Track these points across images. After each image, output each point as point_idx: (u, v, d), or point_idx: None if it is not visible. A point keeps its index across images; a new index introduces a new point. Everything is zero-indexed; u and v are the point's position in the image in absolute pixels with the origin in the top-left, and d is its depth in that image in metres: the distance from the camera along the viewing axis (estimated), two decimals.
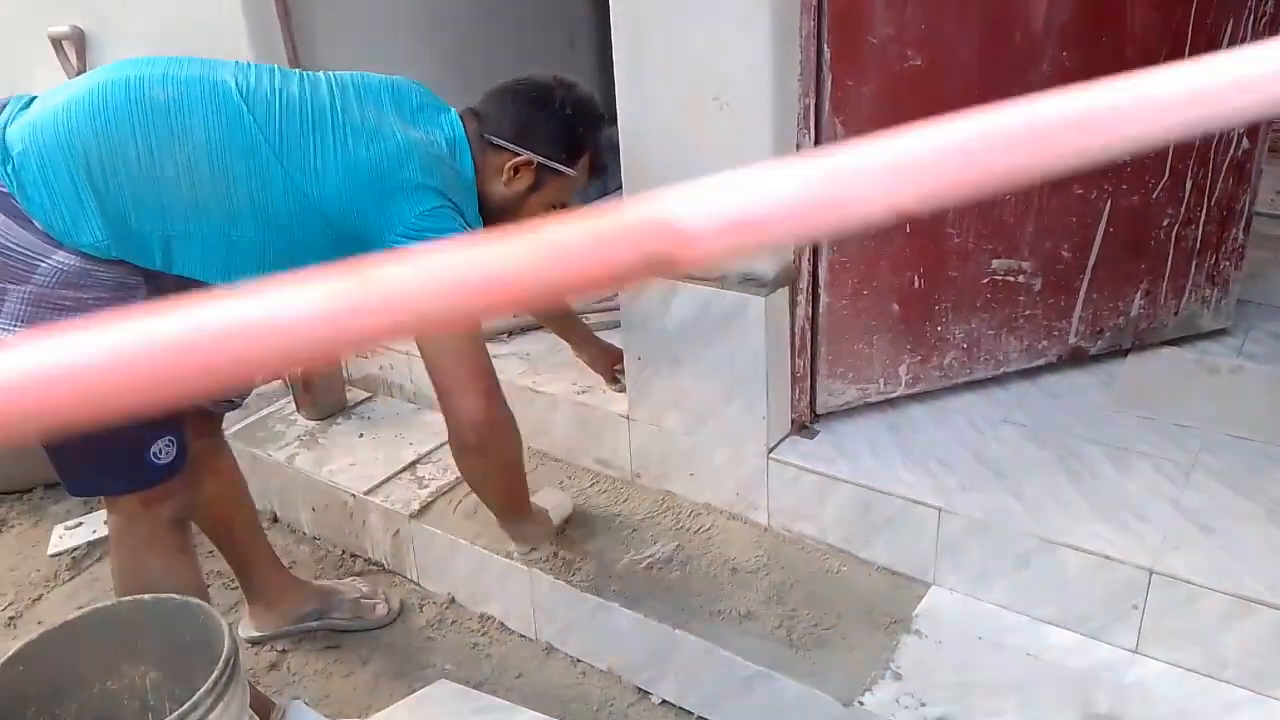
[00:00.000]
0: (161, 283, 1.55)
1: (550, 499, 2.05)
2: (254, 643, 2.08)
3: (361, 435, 2.50)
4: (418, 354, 2.59)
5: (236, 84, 1.51)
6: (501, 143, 1.67)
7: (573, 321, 2.25)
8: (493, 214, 1.71)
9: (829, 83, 1.76)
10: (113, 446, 1.57)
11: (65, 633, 1.56)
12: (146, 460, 1.58)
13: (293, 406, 2.59)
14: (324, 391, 2.57)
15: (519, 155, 1.67)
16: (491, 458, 1.70)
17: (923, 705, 1.61)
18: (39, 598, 2.34)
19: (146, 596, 1.61)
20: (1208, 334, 2.30)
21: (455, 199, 1.59)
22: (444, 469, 2.33)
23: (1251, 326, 2.34)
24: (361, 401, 2.67)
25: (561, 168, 1.70)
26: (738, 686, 1.76)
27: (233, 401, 1.85)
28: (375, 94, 1.61)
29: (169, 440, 1.59)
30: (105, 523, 2.49)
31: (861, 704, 1.63)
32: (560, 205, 1.77)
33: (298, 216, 1.51)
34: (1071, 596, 1.72)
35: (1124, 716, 1.57)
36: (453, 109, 1.70)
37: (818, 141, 1.80)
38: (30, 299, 1.43)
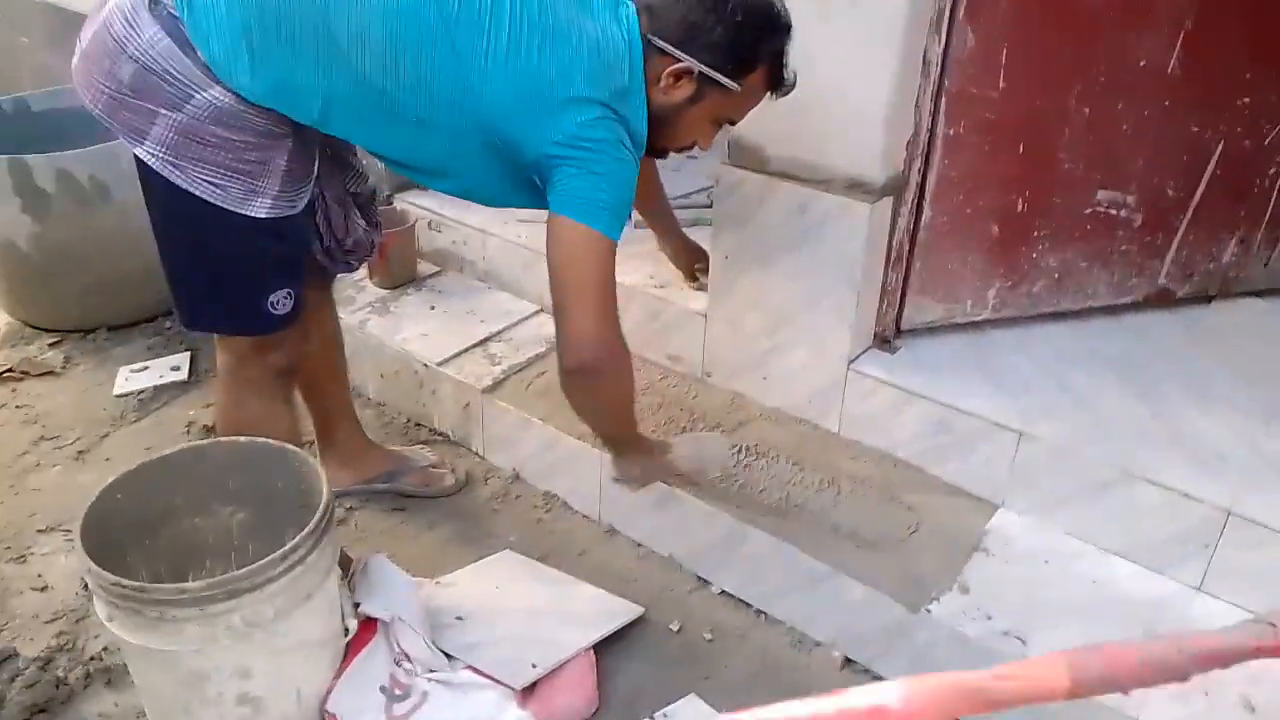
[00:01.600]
0: (306, 137, 1.53)
1: (701, 445, 1.96)
2: None
3: (433, 308, 2.51)
4: (491, 231, 2.59)
5: None
6: (663, 45, 1.53)
7: (662, 211, 2.22)
8: (655, 122, 1.58)
9: None
10: (234, 289, 1.58)
11: (162, 466, 1.59)
12: (264, 308, 1.59)
13: (364, 272, 2.59)
14: (397, 261, 2.57)
15: (680, 61, 1.53)
16: (597, 385, 1.60)
17: (989, 619, 1.65)
18: (106, 435, 2.38)
19: (242, 439, 1.64)
20: None
21: (621, 109, 1.51)
22: (516, 348, 2.34)
23: None
24: (432, 275, 2.67)
25: (725, 80, 1.54)
26: (802, 584, 1.80)
27: (350, 264, 1.84)
28: None
29: (287, 293, 1.60)
30: (172, 368, 2.52)
31: (929, 612, 1.66)
32: (730, 122, 1.66)
33: (458, 105, 1.47)
34: (1143, 530, 1.74)
35: None
36: None
37: (946, 48, 1.75)
38: (179, 127, 1.42)
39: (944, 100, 1.80)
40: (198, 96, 1.41)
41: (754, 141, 1.95)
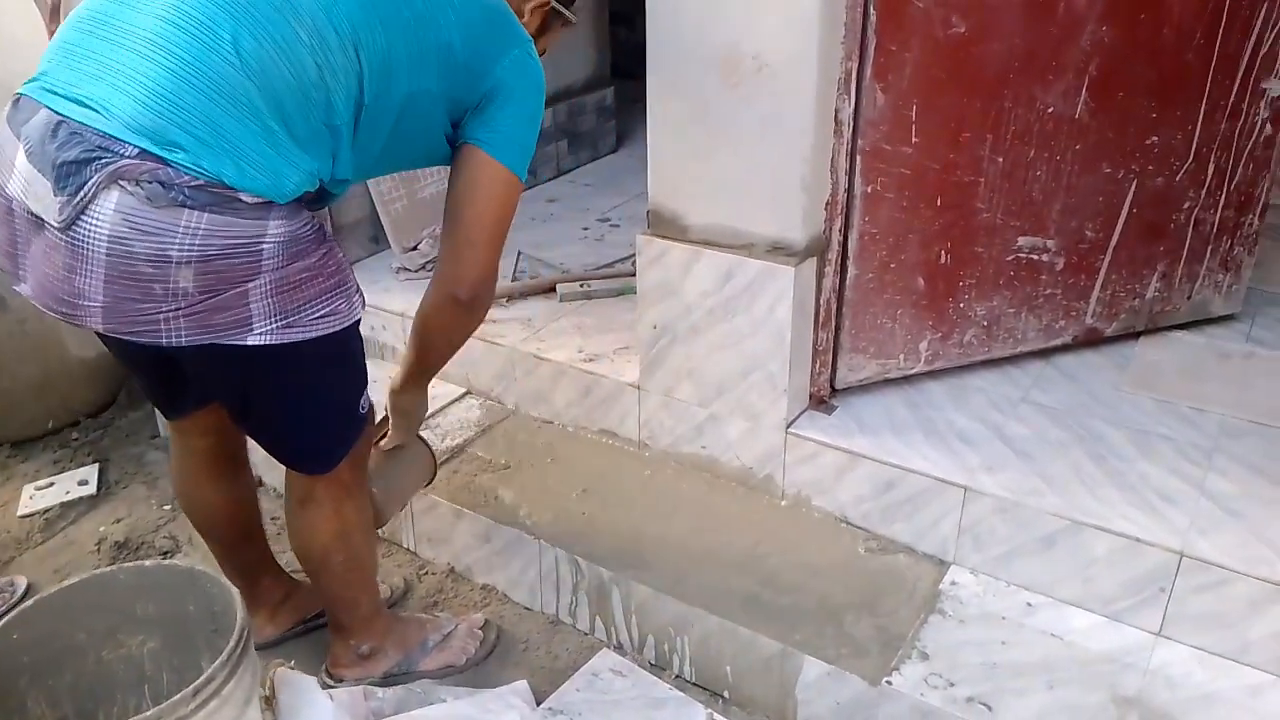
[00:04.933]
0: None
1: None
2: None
3: None
4: (410, 315, 2.50)
5: None
6: None
7: None
8: None
9: (873, 46, 1.70)
10: (352, 402, 1.56)
11: (62, 599, 1.47)
12: (357, 413, 1.56)
13: None
14: None
15: None
16: (472, 318, 1.63)
17: (951, 685, 1.59)
18: (10, 560, 2.22)
19: (148, 563, 1.54)
20: (1217, 319, 2.30)
21: None
22: (443, 435, 2.25)
23: (1258, 313, 2.35)
24: None
25: (566, 11, 1.61)
26: (759, 665, 1.72)
27: None
28: None
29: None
30: (80, 483, 2.38)
31: (890, 684, 1.60)
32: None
33: (423, 54, 1.39)
34: (1096, 578, 1.70)
35: (1152, 699, 1.56)
36: None
37: (857, 108, 1.74)
38: (272, 288, 1.29)
39: (859, 159, 1.79)
40: (266, 245, 1.26)
41: (673, 210, 1.92)
